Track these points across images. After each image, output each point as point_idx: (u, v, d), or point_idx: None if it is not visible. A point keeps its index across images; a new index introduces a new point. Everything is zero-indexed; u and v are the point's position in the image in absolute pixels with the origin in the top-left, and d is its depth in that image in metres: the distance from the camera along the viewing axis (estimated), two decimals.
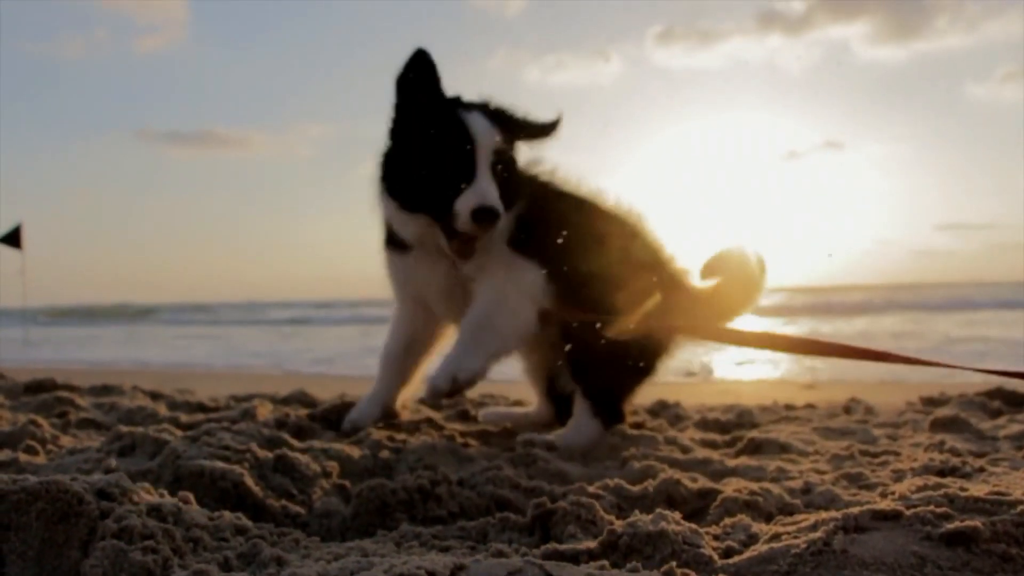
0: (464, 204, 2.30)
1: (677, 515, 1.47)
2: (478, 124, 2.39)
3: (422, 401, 3.81)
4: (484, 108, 2.48)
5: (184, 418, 2.99)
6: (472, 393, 4.03)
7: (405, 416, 2.94)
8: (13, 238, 12.92)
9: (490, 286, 2.49)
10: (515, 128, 2.51)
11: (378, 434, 2.61)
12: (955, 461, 2.15)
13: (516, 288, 2.49)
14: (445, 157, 2.36)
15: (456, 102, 2.47)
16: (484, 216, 2.29)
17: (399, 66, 2.43)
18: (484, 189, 2.32)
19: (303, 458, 2.12)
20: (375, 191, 2.56)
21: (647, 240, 2.73)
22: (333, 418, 2.96)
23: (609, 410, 2.65)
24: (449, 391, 2.38)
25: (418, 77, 2.42)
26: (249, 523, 1.63)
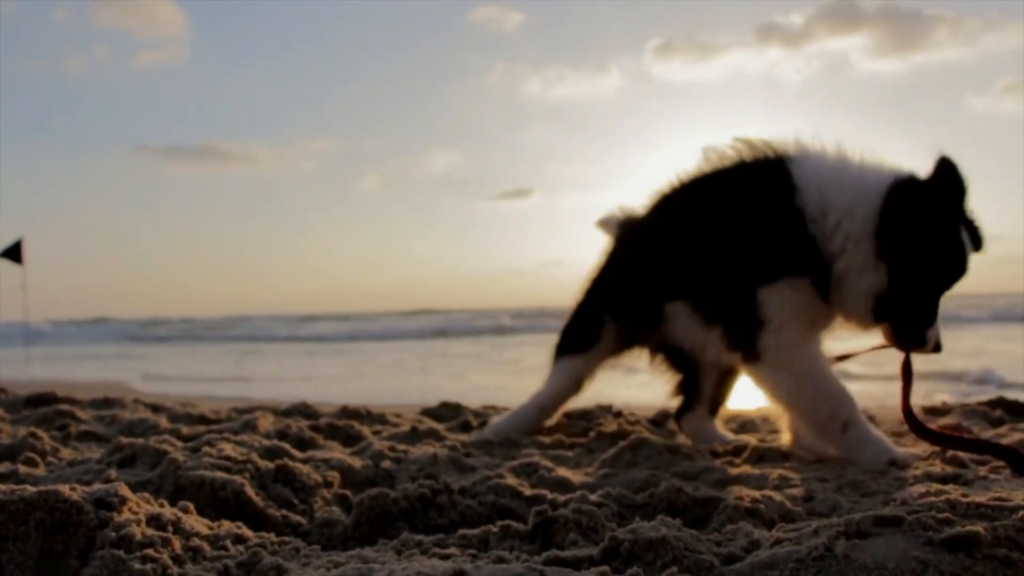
0: (933, 335, 2.34)
1: (679, 522, 1.47)
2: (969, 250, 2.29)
3: (424, 412, 3.81)
4: (970, 225, 2.32)
5: (185, 430, 2.99)
6: (475, 404, 4.03)
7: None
8: (14, 253, 12.95)
9: None
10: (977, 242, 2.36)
11: (380, 444, 2.61)
12: (956, 468, 2.14)
13: None
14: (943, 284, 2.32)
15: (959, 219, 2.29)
16: (937, 349, 2.36)
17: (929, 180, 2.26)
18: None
19: (304, 468, 2.12)
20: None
21: None
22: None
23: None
24: None
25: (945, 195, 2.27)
26: (249, 532, 1.63)
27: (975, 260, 2.33)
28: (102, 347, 20.00)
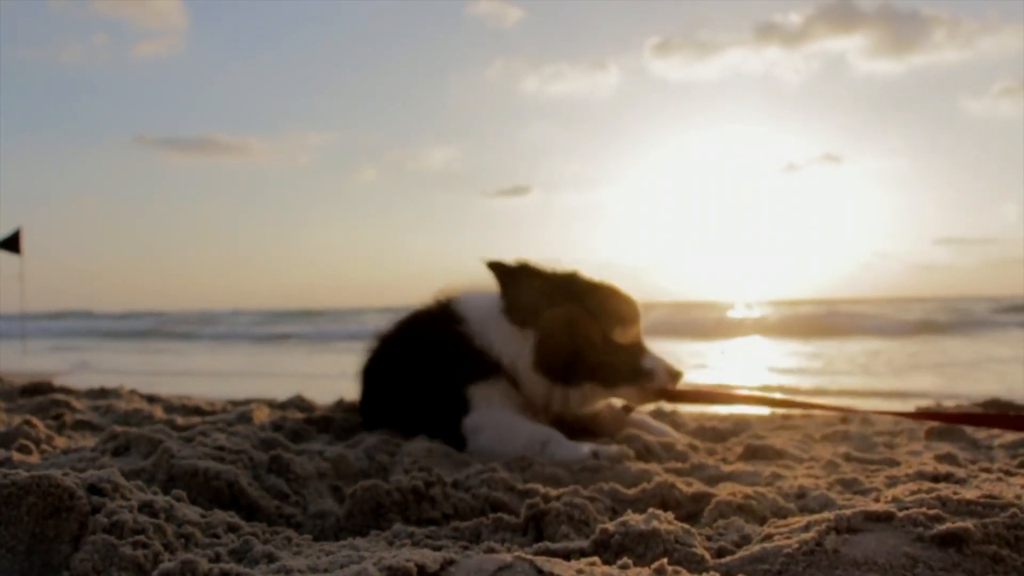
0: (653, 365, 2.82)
1: (670, 515, 1.47)
2: None
3: None
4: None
5: (180, 420, 2.98)
6: None
7: None
8: (12, 243, 12.91)
9: None
10: None
11: (373, 438, 2.61)
12: (949, 468, 2.15)
13: None
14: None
15: None
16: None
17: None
18: None
19: (298, 459, 2.12)
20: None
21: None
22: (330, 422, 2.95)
23: None
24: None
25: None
26: (241, 521, 1.63)
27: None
28: (61, 340, 19.77)
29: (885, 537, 1.33)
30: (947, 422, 2.46)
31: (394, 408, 2.96)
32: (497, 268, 2.79)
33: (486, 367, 2.76)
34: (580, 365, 2.74)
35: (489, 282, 2.93)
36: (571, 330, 2.72)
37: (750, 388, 3.39)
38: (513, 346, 2.75)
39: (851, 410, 2.54)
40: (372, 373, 3.13)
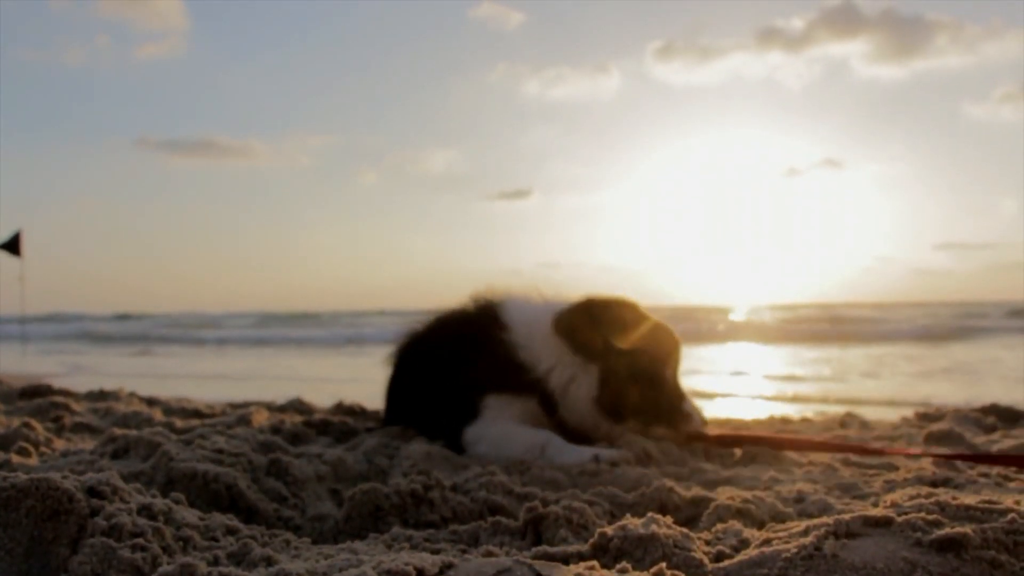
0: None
1: (668, 519, 1.47)
2: None
3: None
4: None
5: (179, 423, 2.98)
6: None
7: None
8: (13, 245, 12.92)
9: None
10: None
11: (372, 440, 2.62)
12: (948, 472, 2.15)
13: None
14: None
15: None
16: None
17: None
18: None
19: (297, 462, 2.12)
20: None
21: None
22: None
23: None
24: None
25: None
26: (240, 524, 1.63)
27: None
28: (57, 344, 19.64)
29: (884, 542, 1.33)
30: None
31: (410, 406, 2.95)
32: (567, 321, 2.73)
33: (520, 381, 2.72)
34: (634, 405, 2.75)
35: (528, 290, 2.92)
36: (635, 371, 2.72)
37: (782, 432, 3.33)
38: (568, 373, 2.71)
39: (898, 452, 2.46)
40: (396, 370, 3.12)
